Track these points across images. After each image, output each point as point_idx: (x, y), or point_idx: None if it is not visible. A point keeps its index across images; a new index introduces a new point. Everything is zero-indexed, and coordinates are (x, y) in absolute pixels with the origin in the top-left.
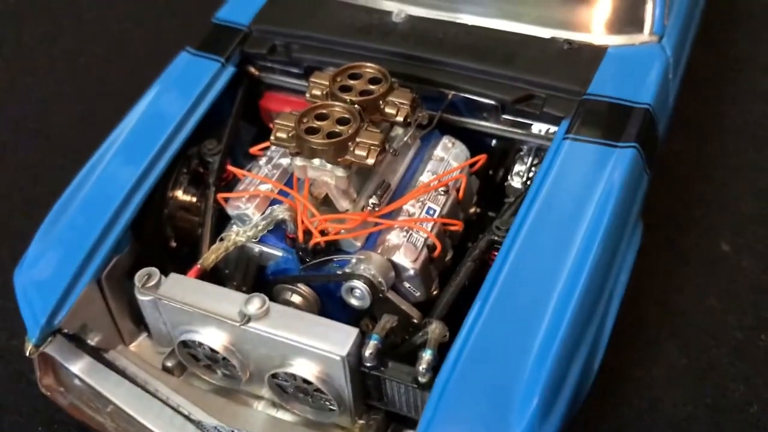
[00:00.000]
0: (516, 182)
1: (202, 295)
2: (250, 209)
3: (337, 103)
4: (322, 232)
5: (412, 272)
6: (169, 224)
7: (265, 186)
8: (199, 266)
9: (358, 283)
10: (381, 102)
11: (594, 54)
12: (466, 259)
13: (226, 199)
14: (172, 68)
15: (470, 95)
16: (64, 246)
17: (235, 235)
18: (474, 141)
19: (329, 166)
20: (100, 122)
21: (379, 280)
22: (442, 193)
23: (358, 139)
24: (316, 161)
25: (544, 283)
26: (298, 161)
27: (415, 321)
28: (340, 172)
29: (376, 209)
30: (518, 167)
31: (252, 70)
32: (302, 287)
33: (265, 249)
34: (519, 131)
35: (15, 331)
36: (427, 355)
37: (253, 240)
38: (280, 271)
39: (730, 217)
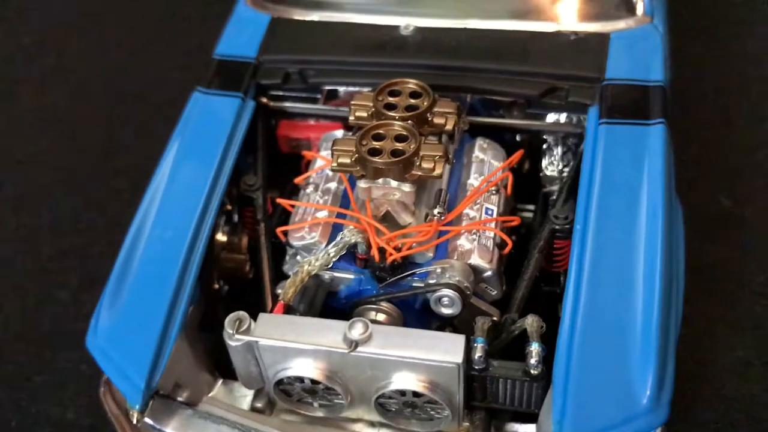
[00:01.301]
0: (550, 171)
1: (300, 329)
2: (316, 238)
3: (394, 121)
4: (396, 249)
5: (490, 272)
6: (215, 267)
7: (321, 213)
8: (282, 302)
9: (448, 292)
10: (428, 114)
11: (599, 41)
12: (533, 252)
13: (285, 233)
14: (191, 111)
15: (497, 96)
16: (141, 306)
17: (308, 265)
18: (496, 138)
19: (395, 183)
20: None
21: (465, 285)
22: (494, 192)
23: (422, 153)
24: (380, 180)
25: (628, 262)
26: (363, 183)
27: (495, 319)
28: (407, 187)
29: (442, 218)
30: (548, 158)
31: (265, 100)
32: (385, 305)
33: (337, 274)
34: (547, 124)
35: None
36: (536, 348)
37: (325, 267)
38: (355, 293)
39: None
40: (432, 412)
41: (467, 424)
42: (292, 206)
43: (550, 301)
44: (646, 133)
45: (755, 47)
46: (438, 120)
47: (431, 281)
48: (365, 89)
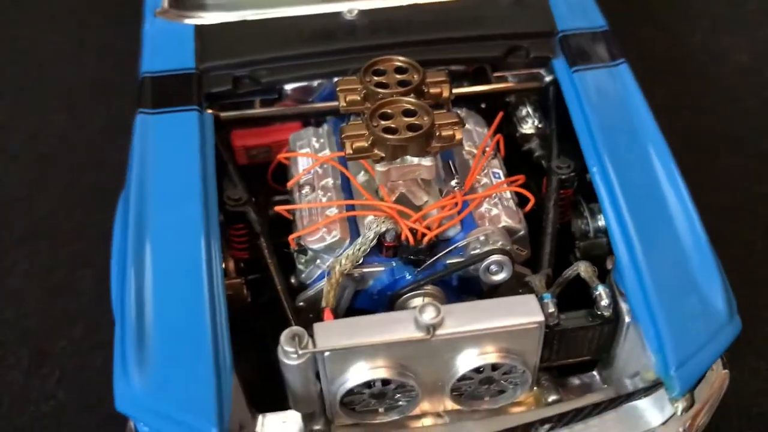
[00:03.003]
0: (527, 129)
1: (364, 329)
2: (338, 236)
3: (401, 97)
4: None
5: (523, 232)
6: None
7: (330, 211)
8: (328, 309)
9: (497, 257)
10: (423, 86)
11: None
12: (548, 206)
13: (297, 240)
14: (144, 136)
15: (464, 63)
16: (181, 353)
17: (339, 265)
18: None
19: (416, 159)
20: None
21: (508, 248)
22: (493, 156)
23: (437, 123)
24: (398, 160)
25: (656, 189)
26: (381, 167)
27: (549, 273)
28: (428, 161)
29: (462, 188)
30: (520, 116)
31: (213, 111)
32: (429, 288)
33: (366, 270)
34: (512, 84)
35: None
36: (604, 290)
37: (357, 263)
38: (390, 285)
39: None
40: (507, 383)
41: (536, 389)
42: (290, 212)
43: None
44: (616, 73)
45: None
46: (434, 90)
47: (474, 251)
48: (335, 78)
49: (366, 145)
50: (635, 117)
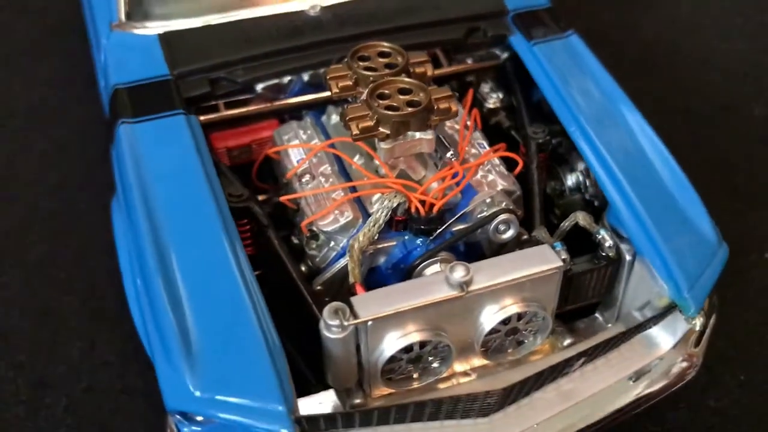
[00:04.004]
0: (492, 104)
1: (400, 295)
2: (350, 216)
3: (396, 78)
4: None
5: (518, 192)
6: None
7: (336, 194)
8: (358, 284)
9: (505, 216)
10: (409, 67)
11: None
12: (532, 169)
13: (309, 226)
14: (133, 144)
15: (430, 47)
16: (231, 343)
17: (357, 243)
18: None
19: (418, 134)
20: None
21: (512, 207)
22: (474, 129)
23: (434, 96)
24: (401, 137)
25: (632, 140)
26: (386, 144)
27: (526, 237)
28: (429, 134)
29: (458, 158)
30: (483, 92)
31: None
32: (444, 254)
33: (380, 245)
34: (474, 64)
35: None
36: (605, 233)
37: (374, 239)
38: (404, 258)
39: None
40: (528, 333)
41: (550, 336)
42: (294, 202)
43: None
44: (570, 43)
45: None
46: (419, 70)
47: (481, 215)
48: (310, 71)
49: (371, 124)
50: (599, 79)
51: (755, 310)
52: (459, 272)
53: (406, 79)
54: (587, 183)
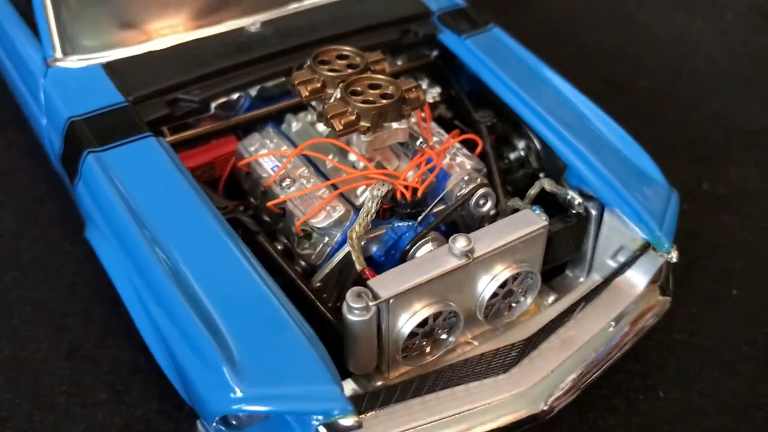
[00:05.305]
0: (430, 98)
1: (412, 271)
2: (342, 210)
3: (365, 75)
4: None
5: (485, 170)
6: None
7: (320, 192)
8: (366, 269)
9: (485, 189)
10: (369, 66)
11: None
12: (487, 148)
13: (302, 226)
14: (107, 170)
15: (371, 50)
16: (267, 336)
17: (355, 233)
18: None
19: (394, 124)
20: None
21: (486, 182)
22: (431, 118)
23: (404, 87)
24: (379, 129)
25: (571, 105)
26: (366, 137)
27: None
28: (404, 124)
29: (426, 145)
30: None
31: None
32: (433, 234)
33: (372, 235)
34: (407, 63)
35: None
36: (572, 192)
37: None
38: (395, 242)
39: None
40: (519, 293)
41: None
42: (279, 207)
43: None
44: (494, 35)
45: None
46: (378, 67)
47: (461, 192)
48: (268, 83)
49: (353, 119)
50: (528, 61)
51: (693, 244)
52: (462, 242)
53: (376, 75)
54: (530, 158)
